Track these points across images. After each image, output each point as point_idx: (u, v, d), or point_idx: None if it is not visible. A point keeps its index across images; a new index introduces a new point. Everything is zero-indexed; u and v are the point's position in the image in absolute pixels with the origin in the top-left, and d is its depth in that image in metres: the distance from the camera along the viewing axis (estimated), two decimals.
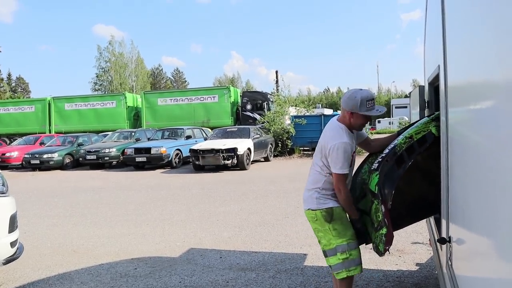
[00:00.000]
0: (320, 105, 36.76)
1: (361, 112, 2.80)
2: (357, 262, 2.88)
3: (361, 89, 2.88)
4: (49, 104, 26.42)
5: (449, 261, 2.05)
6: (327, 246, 2.89)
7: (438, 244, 2.39)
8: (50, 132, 25.34)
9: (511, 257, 0.94)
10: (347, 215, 2.94)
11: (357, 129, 2.97)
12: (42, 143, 19.72)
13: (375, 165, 2.77)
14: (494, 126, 1.11)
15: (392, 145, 2.81)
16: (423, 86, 3.80)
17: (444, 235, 2.21)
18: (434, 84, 3.07)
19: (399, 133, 3.04)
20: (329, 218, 2.85)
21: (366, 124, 3.33)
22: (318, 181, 2.93)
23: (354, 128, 2.94)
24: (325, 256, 2.96)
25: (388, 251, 2.72)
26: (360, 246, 2.98)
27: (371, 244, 2.97)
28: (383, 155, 2.79)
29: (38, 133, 23.26)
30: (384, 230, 2.66)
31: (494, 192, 1.13)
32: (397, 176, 2.72)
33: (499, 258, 1.08)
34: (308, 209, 2.95)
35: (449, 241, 2.02)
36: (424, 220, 3.80)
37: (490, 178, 1.17)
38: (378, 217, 2.71)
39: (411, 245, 4.93)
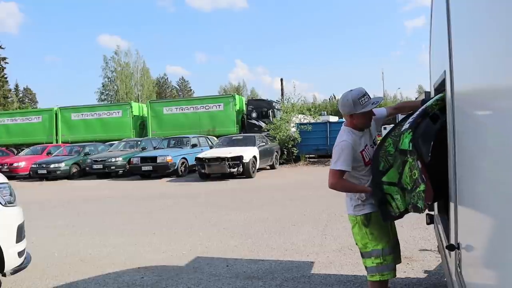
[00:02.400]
0: (325, 112, 36.76)
1: (358, 111, 2.85)
2: (391, 267, 2.97)
3: (351, 90, 2.92)
4: (56, 114, 26.61)
5: (458, 268, 2.03)
6: (363, 249, 3.01)
7: (446, 251, 2.36)
8: (57, 142, 25.50)
9: None
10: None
11: (365, 127, 3.00)
12: (49, 153, 19.86)
13: (406, 126, 2.67)
14: (502, 131, 1.10)
15: (422, 108, 2.75)
16: (429, 92, 3.79)
17: (453, 241, 2.19)
18: (440, 90, 3.06)
19: (424, 101, 2.96)
20: (366, 222, 2.95)
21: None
22: None
23: (361, 127, 2.98)
24: (362, 257, 3.07)
25: (429, 207, 2.69)
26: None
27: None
28: (414, 116, 2.71)
29: (45, 143, 23.42)
30: (422, 187, 2.54)
31: (503, 199, 1.12)
32: (434, 130, 2.61)
33: (509, 264, 1.07)
34: (349, 214, 3.08)
35: (458, 248, 2.00)
36: (432, 227, 3.76)
37: (500, 184, 1.16)
38: (414, 175, 2.59)
39: (419, 252, 4.88)
